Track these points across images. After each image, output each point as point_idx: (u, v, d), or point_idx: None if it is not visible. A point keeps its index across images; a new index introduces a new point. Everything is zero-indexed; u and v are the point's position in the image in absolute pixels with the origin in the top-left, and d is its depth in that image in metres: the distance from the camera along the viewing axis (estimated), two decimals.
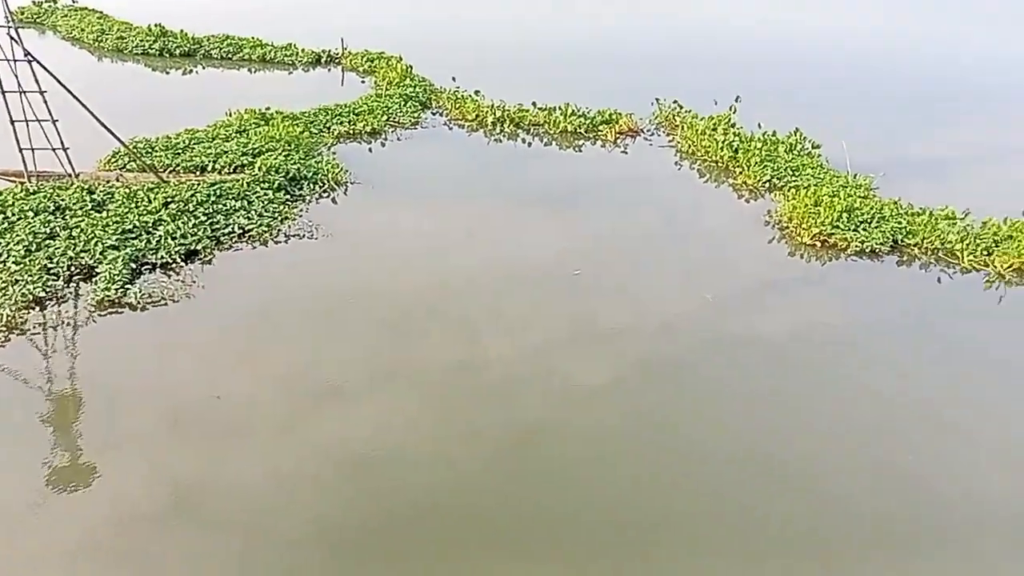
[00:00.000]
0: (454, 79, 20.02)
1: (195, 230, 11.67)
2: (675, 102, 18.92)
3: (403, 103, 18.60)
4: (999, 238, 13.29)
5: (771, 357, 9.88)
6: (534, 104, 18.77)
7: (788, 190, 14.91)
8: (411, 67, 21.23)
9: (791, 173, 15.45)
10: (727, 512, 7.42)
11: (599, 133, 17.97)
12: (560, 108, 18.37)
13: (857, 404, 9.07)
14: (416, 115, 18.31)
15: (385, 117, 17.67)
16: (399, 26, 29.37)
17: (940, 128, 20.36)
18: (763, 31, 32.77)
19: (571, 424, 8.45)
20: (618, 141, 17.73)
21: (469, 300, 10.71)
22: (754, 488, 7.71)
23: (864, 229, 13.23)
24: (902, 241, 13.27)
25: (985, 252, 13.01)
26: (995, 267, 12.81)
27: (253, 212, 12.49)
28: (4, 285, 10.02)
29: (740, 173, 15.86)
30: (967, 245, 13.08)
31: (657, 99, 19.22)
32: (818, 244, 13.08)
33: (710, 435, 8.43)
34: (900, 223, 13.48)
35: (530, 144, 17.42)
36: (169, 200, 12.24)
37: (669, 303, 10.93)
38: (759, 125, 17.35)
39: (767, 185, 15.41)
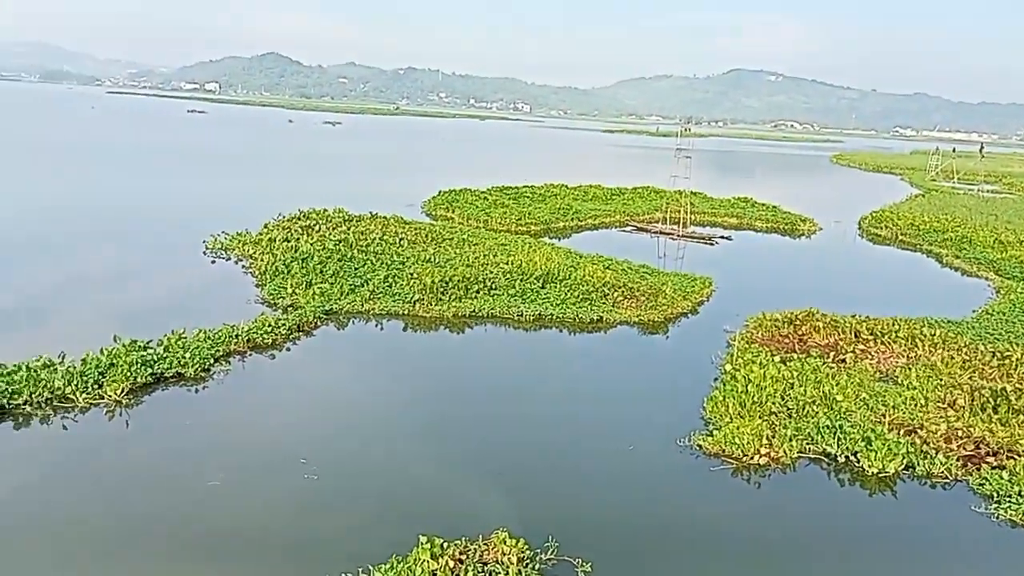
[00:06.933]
0: None
1: None
2: None
3: None
4: (103, 369, 13.84)
5: None
6: None
7: None
8: None
9: None
10: None
11: None
12: None
13: None
14: None
15: None
16: None
17: None
18: None
19: None
20: None
21: None
22: None
23: None
24: (9, 404, 13.18)
25: (96, 386, 13.57)
26: (110, 395, 13.45)
27: None
28: None
29: None
30: (77, 386, 13.40)
31: None
32: None
33: None
34: None
35: None
36: None
37: None
38: None
39: None
